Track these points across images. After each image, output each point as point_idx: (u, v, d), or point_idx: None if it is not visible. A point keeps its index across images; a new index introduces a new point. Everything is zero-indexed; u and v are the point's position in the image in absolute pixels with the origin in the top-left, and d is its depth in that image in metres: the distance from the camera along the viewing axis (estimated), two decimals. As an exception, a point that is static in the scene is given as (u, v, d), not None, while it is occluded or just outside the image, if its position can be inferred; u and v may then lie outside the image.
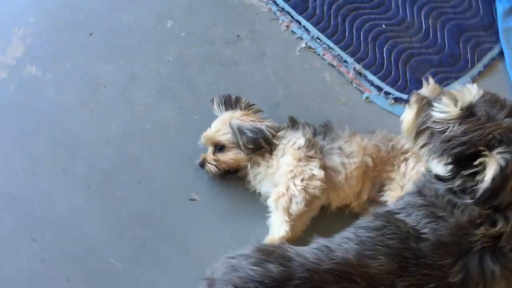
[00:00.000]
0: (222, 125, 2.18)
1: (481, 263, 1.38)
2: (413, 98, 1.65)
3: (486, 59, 2.75)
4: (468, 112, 1.45)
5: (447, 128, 1.47)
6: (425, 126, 1.59)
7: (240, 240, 2.12)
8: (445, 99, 1.51)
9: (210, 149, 2.20)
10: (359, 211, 2.22)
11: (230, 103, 2.30)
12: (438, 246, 1.41)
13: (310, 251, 1.44)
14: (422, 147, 1.60)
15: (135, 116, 2.35)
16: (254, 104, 2.30)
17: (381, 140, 2.20)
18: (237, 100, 2.31)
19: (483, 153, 1.38)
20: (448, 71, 2.70)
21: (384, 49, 2.67)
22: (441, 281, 1.38)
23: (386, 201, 2.12)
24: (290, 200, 2.01)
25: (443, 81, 2.66)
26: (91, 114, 2.35)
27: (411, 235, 1.44)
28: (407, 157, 2.18)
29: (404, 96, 2.57)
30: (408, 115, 1.65)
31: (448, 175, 1.47)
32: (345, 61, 2.61)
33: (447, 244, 1.40)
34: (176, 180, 2.23)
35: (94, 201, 2.15)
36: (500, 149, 1.35)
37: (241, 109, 2.27)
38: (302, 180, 2.01)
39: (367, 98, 2.56)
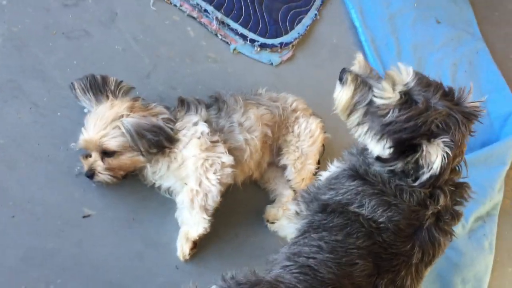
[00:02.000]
0: (106, 125, 1.72)
1: (430, 237, 1.49)
2: (347, 77, 1.54)
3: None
4: (407, 98, 1.44)
5: (388, 113, 1.46)
6: (360, 106, 1.56)
7: (153, 244, 1.86)
8: (384, 83, 1.46)
9: (95, 155, 1.78)
10: (259, 178, 2.16)
11: (96, 85, 1.81)
12: (397, 233, 1.46)
13: (296, 278, 1.36)
14: (357, 125, 1.57)
15: (-22, 132, 1.72)
16: (122, 82, 1.87)
17: (269, 104, 2.08)
18: (104, 80, 1.82)
19: (425, 141, 1.41)
20: (298, 7, 2.62)
21: (239, -9, 2.41)
22: (407, 265, 1.45)
23: (285, 164, 2.11)
24: (206, 197, 1.81)
25: (296, 17, 2.59)
26: None
27: (373, 228, 1.47)
28: (298, 116, 2.12)
29: (268, 42, 2.42)
30: (344, 94, 1.55)
31: (388, 157, 1.48)
32: (205, 10, 2.28)
33: (404, 229, 1.47)
34: (59, 199, 1.75)
35: (-38, 259, 1.60)
36: (443, 138, 1.39)
37: (112, 92, 1.85)
38: (215, 172, 1.81)
39: (234, 49, 2.33)
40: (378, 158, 1.52)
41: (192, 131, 1.83)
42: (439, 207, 1.49)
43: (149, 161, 1.82)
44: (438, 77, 2.98)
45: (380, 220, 1.47)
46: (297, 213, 1.76)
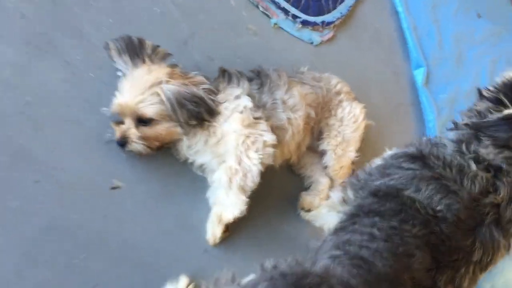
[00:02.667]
0: (144, 90, 1.60)
1: (491, 235, 1.38)
2: None
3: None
4: None
5: None
6: None
7: (183, 224, 1.75)
8: None
9: (129, 122, 1.66)
10: (296, 163, 2.04)
11: (133, 48, 1.68)
12: (457, 224, 1.34)
13: (349, 272, 1.25)
14: None
15: (4, 87, 1.57)
16: (159, 46, 1.74)
17: (313, 83, 1.97)
18: (141, 43, 1.69)
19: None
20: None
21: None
22: (467, 262, 1.34)
23: (325, 150, 2.00)
24: (245, 176, 1.69)
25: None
26: None
27: (430, 216, 1.35)
28: (341, 99, 2.01)
29: (310, 19, 2.30)
30: None
31: (487, 95, 1.49)
32: (247, -21, 2.16)
33: (464, 220, 1.36)
34: (86, 167, 1.63)
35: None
36: None
37: (148, 56, 1.73)
38: (257, 151, 1.69)
39: (275, 24, 2.21)
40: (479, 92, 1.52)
41: (234, 105, 1.71)
42: (500, 199, 1.39)
43: (186, 134, 1.70)
44: (477, 73, 2.91)
45: (438, 208, 1.36)
46: (343, 201, 1.66)
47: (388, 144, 2.30)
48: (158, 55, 1.74)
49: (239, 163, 1.67)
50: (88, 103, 1.69)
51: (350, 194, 1.62)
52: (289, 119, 1.81)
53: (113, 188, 1.67)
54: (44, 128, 1.61)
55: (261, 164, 1.69)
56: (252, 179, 1.69)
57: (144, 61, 1.69)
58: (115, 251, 1.62)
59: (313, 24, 2.30)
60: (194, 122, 1.65)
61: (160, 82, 1.62)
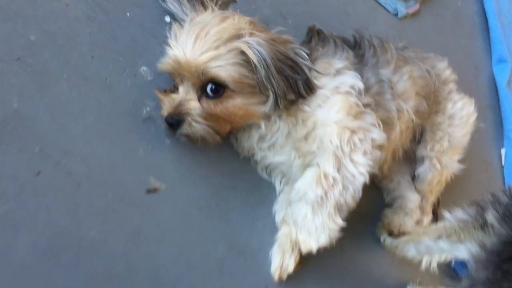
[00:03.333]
0: (220, 43, 1.04)
1: None
2: None
3: None
4: None
5: None
6: None
7: (239, 248, 1.22)
8: None
9: (189, 90, 1.10)
10: (387, 172, 1.53)
11: None
12: None
13: None
14: None
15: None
16: (222, -9, 1.21)
17: (419, 64, 1.47)
18: None
19: None
20: None
21: None
22: None
23: (424, 157, 1.51)
24: (346, 190, 1.16)
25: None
26: None
27: None
28: (451, 90, 1.53)
29: (397, -17, 1.82)
30: None
31: None
32: None
33: None
34: (113, 156, 1.06)
35: None
36: None
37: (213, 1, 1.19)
38: (365, 153, 1.18)
39: (359, -17, 1.72)
40: None
41: (336, 83, 1.18)
42: None
43: (267, 118, 1.17)
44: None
45: None
46: (481, 228, 1.18)
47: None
48: (220, 2, 1.20)
49: (339, 170, 1.14)
50: (121, 56, 1.12)
51: (493, 219, 1.14)
52: (398, 110, 1.31)
53: (150, 191, 1.12)
54: (52, 87, 1.02)
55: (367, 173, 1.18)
56: (355, 195, 1.15)
57: (204, 5, 1.15)
58: (144, 283, 1.07)
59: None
60: (292, 97, 1.11)
61: (242, 35, 1.08)
